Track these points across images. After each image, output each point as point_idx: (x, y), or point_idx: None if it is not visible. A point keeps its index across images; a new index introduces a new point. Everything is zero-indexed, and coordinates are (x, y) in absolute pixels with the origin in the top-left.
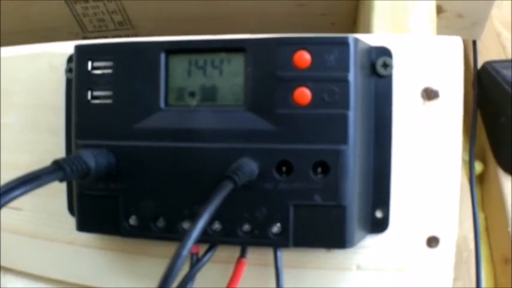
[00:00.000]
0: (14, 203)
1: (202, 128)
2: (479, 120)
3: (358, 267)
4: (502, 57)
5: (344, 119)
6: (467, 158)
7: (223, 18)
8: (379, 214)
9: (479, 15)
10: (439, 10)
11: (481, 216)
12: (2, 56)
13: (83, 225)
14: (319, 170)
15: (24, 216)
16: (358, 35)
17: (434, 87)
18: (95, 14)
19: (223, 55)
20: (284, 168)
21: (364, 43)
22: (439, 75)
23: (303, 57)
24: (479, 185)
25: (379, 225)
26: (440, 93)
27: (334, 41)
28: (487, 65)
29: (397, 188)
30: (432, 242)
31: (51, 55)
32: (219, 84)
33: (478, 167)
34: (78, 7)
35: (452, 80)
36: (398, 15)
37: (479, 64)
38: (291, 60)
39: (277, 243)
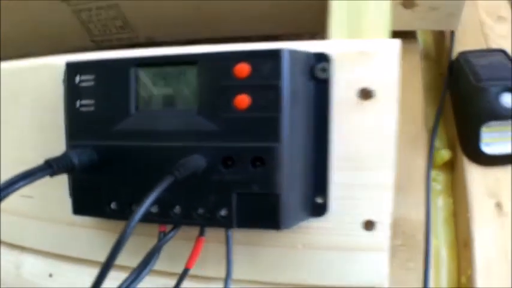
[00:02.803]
0: (26, 192)
1: (164, 130)
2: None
3: (304, 246)
4: (483, 46)
5: (276, 120)
6: (441, 145)
7: (217, 18)
8: (319, 200)
9: (452, 7)
10: (411, 4)
11: (449, 202)
12: (12, 67)
13: (77, 210)
14: (257, 163)
15: (34, 203)
16: (297, 44)
17: (370, 87)
18: (99, 20)
19: (180, 67)
20: (229, 163)
21: (302, 52)
22: (376, 76)
23: (243, 69)
24: (450, 171)
25: (319, 210)
26: (376, 93)
27: (269, 53)
28: (460, 55)
29: (336, 177)
30: (368, 225)
31: (52, 67)
32: (177, 92)
33: (446, 154)
34: (83, 15)
35: (388, 80)
36: (353, 16)
37: None
38: (232, 71)
39: (224, 224)
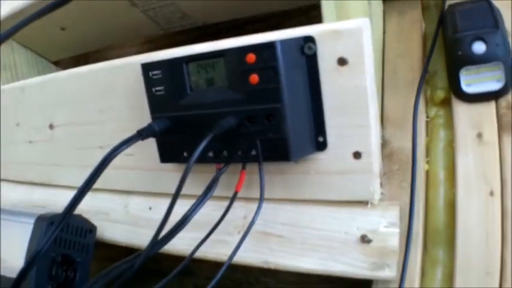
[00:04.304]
0: (128, 151)
1: (208, 102)
2: None
3: (315, 172)
4: None
5: (277, 89)
6: (440, 86)
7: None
8: (320, 139)
9: None
10: None
11: (448, 133)
12: (106, 66)
13: (163, 159)
14: (270, 118)
15: (135, 158)
16: (290, 31)
17: (344, 56)
18: (163, 15)
19: (213, 59)
20: (253, 120)
21: (292, 38)
22: (347, 48)
23: (251, 57)
24: (447, 107)
25: (321, 146)
26: (349, 61)
27: (267, 45)
28: (449, 8)
29: (330, 122)
30: (356, 155)
31: (135, 64)
32: (214, 75)
33: (441, 93)
34: (150, 13)
35: (357, 50)
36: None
37: None
38: (245, 59)
39: (255, 160)
